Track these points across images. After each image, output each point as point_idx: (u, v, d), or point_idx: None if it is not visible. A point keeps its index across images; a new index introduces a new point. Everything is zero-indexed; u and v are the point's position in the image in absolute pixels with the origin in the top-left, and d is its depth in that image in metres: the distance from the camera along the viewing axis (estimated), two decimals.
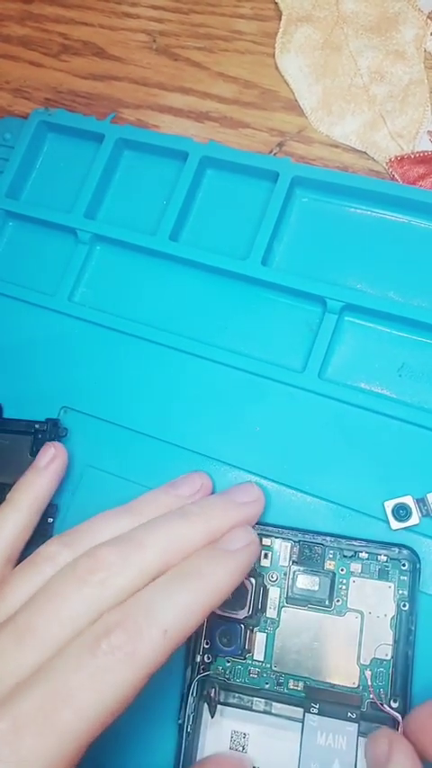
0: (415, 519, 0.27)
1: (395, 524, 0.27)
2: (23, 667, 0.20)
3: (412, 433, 0.28)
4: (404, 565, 0.26)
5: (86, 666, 0.19)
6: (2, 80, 0.39)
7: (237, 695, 0.26)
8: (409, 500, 0.27)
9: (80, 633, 0.20)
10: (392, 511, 0.27)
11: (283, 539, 0.27)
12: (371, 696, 0.25)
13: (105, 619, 0.20)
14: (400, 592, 0.26)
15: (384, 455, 0.28)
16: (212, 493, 0.28)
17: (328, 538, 0.27)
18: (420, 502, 0.27)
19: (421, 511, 0.27)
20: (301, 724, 0.24)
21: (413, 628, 0.25)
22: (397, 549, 0.26)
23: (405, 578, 0.26)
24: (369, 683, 0.25)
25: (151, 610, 0.20)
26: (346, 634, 0.26)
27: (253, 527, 0.26)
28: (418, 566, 0.26)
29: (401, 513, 0.27)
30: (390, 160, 0.32)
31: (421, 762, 0.21)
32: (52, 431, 0.30)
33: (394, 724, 0.24)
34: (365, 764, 0.24)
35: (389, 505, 0.27)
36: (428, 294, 0.30)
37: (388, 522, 0.27)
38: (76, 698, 0.18)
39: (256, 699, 0.26)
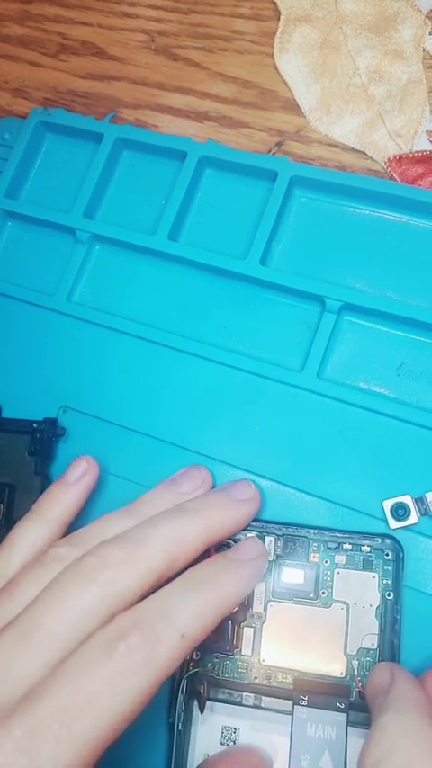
0: (414, 518, 0.27)
1: (394, 523, 0.27)
2: (33, 669, 0.19)
3: (411, 433, 0.28)
4: (387, 554, 0.26)
5: (103, 670, 0.19)
6: (1, 80, 0.39)
7: (226, 691, 0.26)
8: (407, 499, 0.27)
9: (91, 634, 0.20)
10: (391, 510, 0.27)
11: (267, 533, 0.27)
12: (358, 686, 0.25)
13: (119, 621, 0.20)
14: (385, 581, 0.26)
15: (383, 454, 0.28)
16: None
17: (311, 530, 0.27)
18: (419, 501, 0.27)
19: (420, 510, 0.27)
20: (290, 716, 0.24)
21: (398, 617, 0.25)
22: (380, 539, 0.26)
23: (389, 568, 0.26)
24: (356, 673, 0.25)
25: (168, 613, 0.20)
26: (333, 625, 0.26)
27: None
28: (401, 555, 0.26)
29: (400, 512, 0.27)
30: (388, 160, 0.32)
31: None
32: (50, 430, 0.30)
33: None
34: (356, 753, 0.24)
35: (387, 505, 0.27)
36: (427, 294, 0.30)
37: (387, 521, 0.27)
38: (93, 703, 0.18)
39: (245, 693, 0.26)
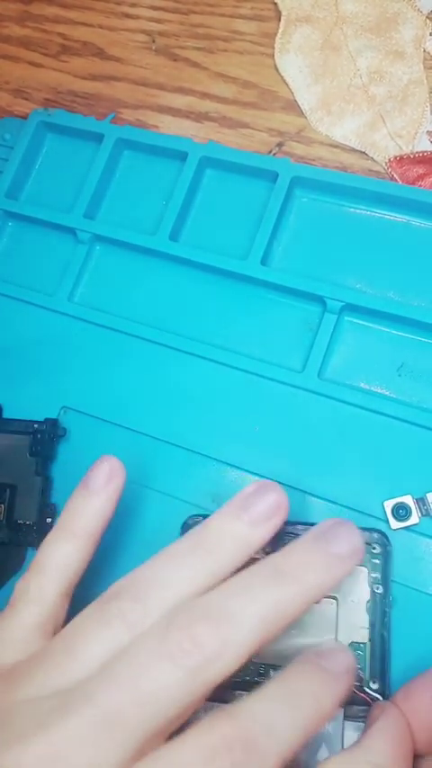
0: (414, 518, 0.27)
1: (395, 524, 0.27)
2: (113, 764, 0.17)
3: (412, 433, 0.28)
4: (375, 548, 0.26)
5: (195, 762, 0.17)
6: (2, 80, 0.39)
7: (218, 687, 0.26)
8: (408, 499, 0.27)
9: (167, 725, 0.19)
10: (392, 510, 0.27)
11: None
12: None
13: (223, 733, 0.18)
14: (373, 575, 0.26)
15: (384, 455, 0.28)
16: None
17: (299, 526, 0.27)
18: (420, 501, 0.27)
19: (421, 510, 0.27)
20: None
21: (388, 610, 0.25)
22: (367, 533, 0.26)
23: (377, 561, 0.26)
24: None
25: (271, 728, 0.18)
26: (323, 621, 0.26)
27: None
28: (388, 548, 0.26)
29: (401, 512, 0.27)
30: (389, 160, 0.32)
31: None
32: (51, 431, 0.30)
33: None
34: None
35: (388, 505, 0.27)
36: (428, 294, 0.30)
37: (387, 521, 0.27)
38: None
39: (237, 691, 0.26)
